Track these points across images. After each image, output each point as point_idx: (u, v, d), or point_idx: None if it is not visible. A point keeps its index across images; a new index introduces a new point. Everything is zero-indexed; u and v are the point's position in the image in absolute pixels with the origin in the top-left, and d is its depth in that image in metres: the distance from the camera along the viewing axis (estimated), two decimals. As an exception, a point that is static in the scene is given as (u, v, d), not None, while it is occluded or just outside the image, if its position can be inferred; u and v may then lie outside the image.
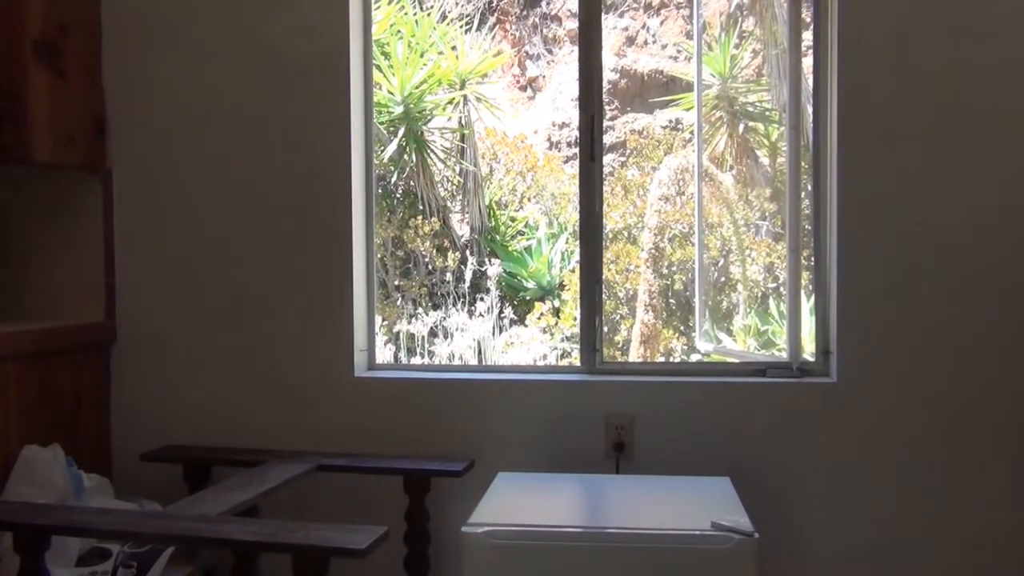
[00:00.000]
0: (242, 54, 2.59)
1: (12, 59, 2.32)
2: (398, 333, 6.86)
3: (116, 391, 2.68)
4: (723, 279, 6.88)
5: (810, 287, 2.70)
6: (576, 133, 8.56)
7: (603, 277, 2.66)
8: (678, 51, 9.31)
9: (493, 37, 9.15)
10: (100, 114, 2.63)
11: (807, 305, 3.13)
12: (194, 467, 2.49)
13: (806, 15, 2.58)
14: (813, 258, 2.50)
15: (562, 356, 6.81)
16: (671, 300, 6.98)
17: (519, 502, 2.10)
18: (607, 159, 2.48)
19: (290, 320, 2.58)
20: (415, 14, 7.49)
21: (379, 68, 6.95)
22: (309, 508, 2.50)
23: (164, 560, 2.18)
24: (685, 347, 6.77)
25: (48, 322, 2.59)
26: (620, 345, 6.93)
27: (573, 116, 8.73)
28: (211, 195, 2.62)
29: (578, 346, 2.71)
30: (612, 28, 9.45)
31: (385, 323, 6.75)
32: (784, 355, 2.56)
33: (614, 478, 2.35)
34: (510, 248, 7.92)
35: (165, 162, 2.64)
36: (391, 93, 7.15)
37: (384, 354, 2.54)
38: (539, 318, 7.13)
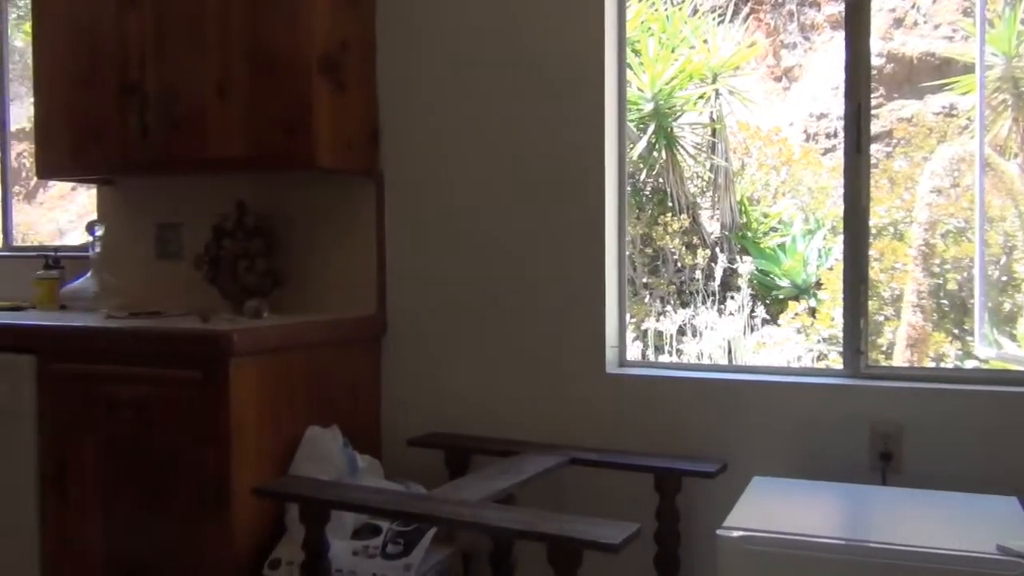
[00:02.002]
0: (502, 61, 2.69)
1: (301, 75, 2.56)
2: (646, 331, 6.84)
3: (386, 380, 2.88)
4: (1005, 278, 6.24)
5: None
6: (836, 124, 8.12)
7: (868, 275, 2.50)
8: (953, 31, 8.55)
9: (746, 28, 8.87)
10: (374, 122, 2.84)
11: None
12: (455, 454, 2.62)
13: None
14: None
15: (818, 358, 6.49)
16: (943, 301, 6.43)
17: (776, 508, 2.03)
18: (871, 149, 2.34)
19: (545, 316, 2.65)
20: (666, 9, 7.42)
21: (629, 65, 6.96)
22: (561, 500, 2.56)
23: (428, 540, 2.31)
24: (960, 352, 6.22)
25: (328, 314, 2.83)
26: (884, 348, 6.48)
27: (832, 106, 8.26)
28: (472, 196, 2.74)
29: (836, 348, 2.57)
30: (878, 10, 8.85)
31: (633, 320, 6.76)
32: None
33: (881, 490, 2.20)
34: (762, 245, 7.64)
35: (431, 165, 2.80)
36: (641, 90, 7.14)
37: (632, 351, 2.56)
38: (793, 318, 6.83)
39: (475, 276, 2.74)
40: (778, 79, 9.51)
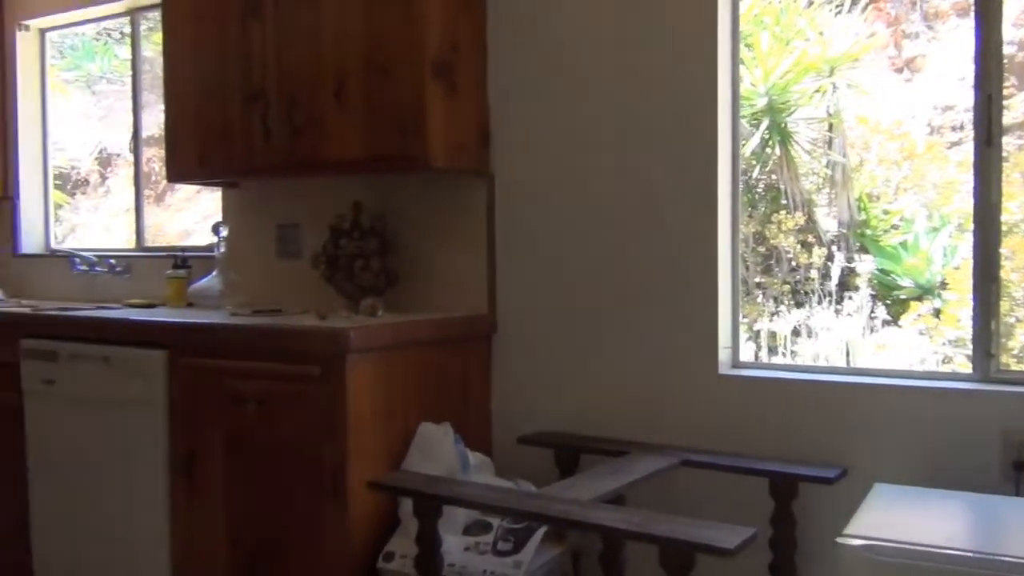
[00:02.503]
0: (611, 61, 2.67)
1: (415, 78, 2.61)
2: (758, 331, 6.68)
3: (496, 378, 2.90)
4: None
5: None
6: (962, 116, 7.74)
7: (999, 275, 2.37)
8: (1094, 14, 8.02)
9: (865, 18, 8.56)
10: (485, 123, 2.87)
11: None
12: (565, 453, 2.62)
13: None
14: None
15: (943, 361, 6.20)
16: (1081, 302, 6.05)
17: (901, 517, 1.95)
18: (1002, 142, 2.20)
19: (657, 316, 2.62)
20: (780, 1, 7.23)
21: (742, 60, 6.81)
22: (671, 502, 2.52)
23: (538, 538, 2.32)
24: (1100, 356, 5.83)
25: (440, 313, 2.88)
26: (1016, 351, 6.15)
27: (959, 97, 7.88)
28: (582, 196, 2.74)
29: (964, 351, 2.45)
30: (1008, -5, 8.37)
31: (745, 320, 6.62)
32: None
33: (1014, 501, 2.09)
34: (883, 243, 7.35)
35: (540, 166, 2.81)
36: (754, 85, 6.97)
37: (745, 352, 2.49)
38: (916, 319, 6.55)
39: (585, 275, 2.74)
40: (899, 70, 9.13)
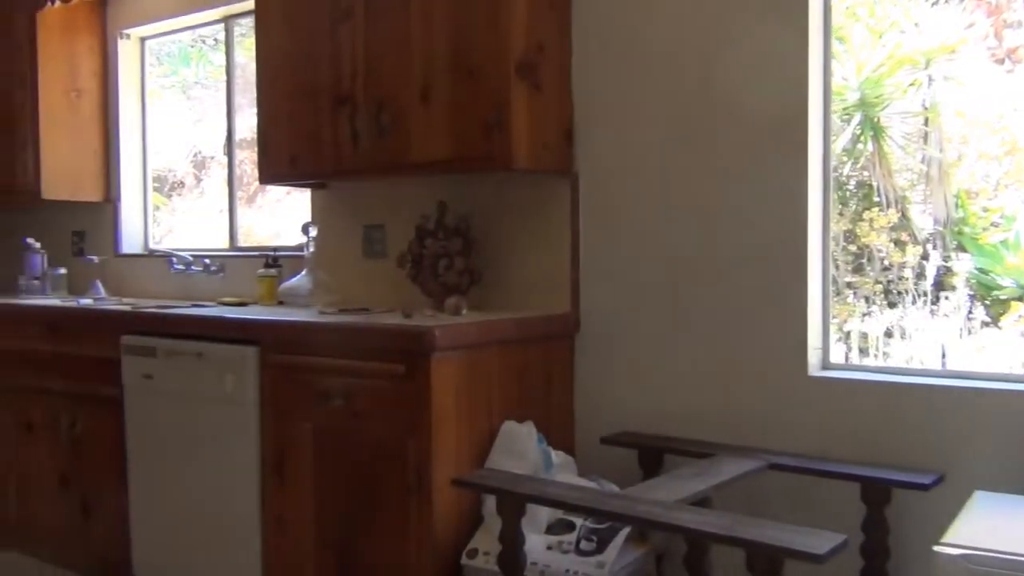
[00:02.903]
0: (696, 57, 2.64)
1: (500, 78, 2.62)
2: (849, 332, 6.51)
3: (579, 377, 2.90)
4: None
5: None
6: (1070, 108, 7.38)
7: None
8: None
9: (964, 8, 8.24)
10: (568, 122, 2.86)
11: None
12: (648, 453, 2.60)
13: None
14: None
15: (1047, 365, 5.93)
16: None
17: (1003, 526, 1.87)
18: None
19: (744, 315, 2.58)
20: (873, -7, 7.02)
21: (833, 55, 6.64)
22: (757, 506, 2.48)
23: (621, 539, 2.31)
24: None
25: (524, 312, 2.88)
26: None
27: (1065, 88, 7.52)
28: (666, 195, 2.71)
29: (1075, 355, 2.34)
30: (1120, -20, 7.96)
31: (835, 320, 6.45)
32: None
33: (1126, 512, 1.98)
34: (981, 241, 7.07)
35: (624, 165, 2.79)
36: (845, 79, 6.79)
37: (835, 353, 2.42)
38: (1018, 320, 6.28)
39: (670, 274, 2.71)
40: (1000, 61, 8.76)
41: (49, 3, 4.10)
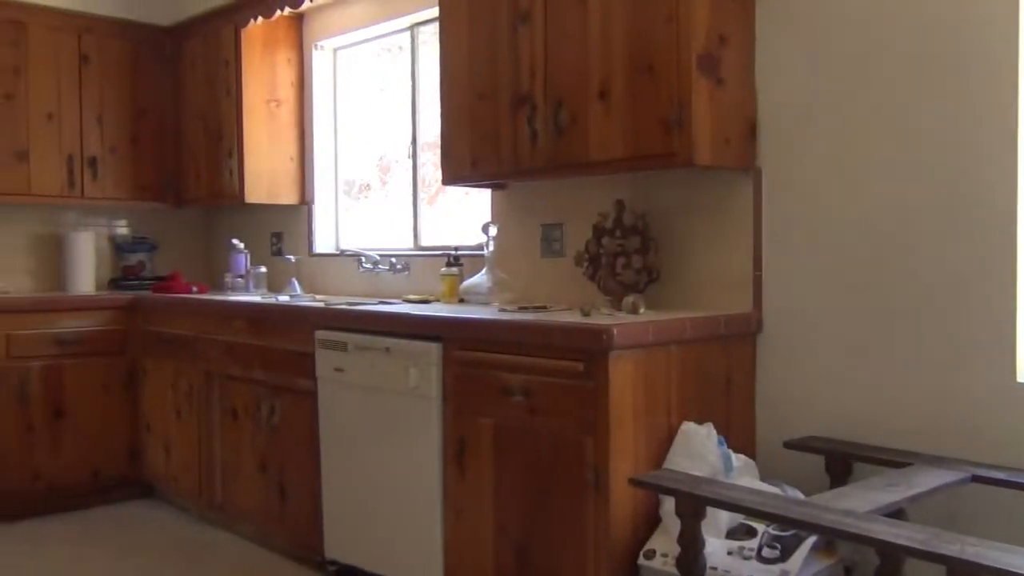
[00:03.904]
0: (896, 47, 2.50)
1: (681, 73, 2.59)
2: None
3: (761, 379, 2.81)
4: None
5: None
6: None
7: None
8: None
9: None
10: (752, 116, 2.78)
11: None
12: (836, 460, 2.49)
13: None
14: None
15: None
16: None
17: None
18: None
19: (943, 317, 2.42)
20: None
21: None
22: (956, 520, 2.32)
23: (806, 548, 2.22)
24: None
25: (703, 311, 2.83)
26: None
27: None
28: (858, 191, 2.58)
29: None
30: None
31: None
32: None
33: None
34: None
35: (812, 160, 2.68)
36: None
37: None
38: None
39: (860, 274, 2.58)
40: None
41: (252, 20, 4.41)
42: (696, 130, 2.58)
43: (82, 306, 4.42)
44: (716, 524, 2.33)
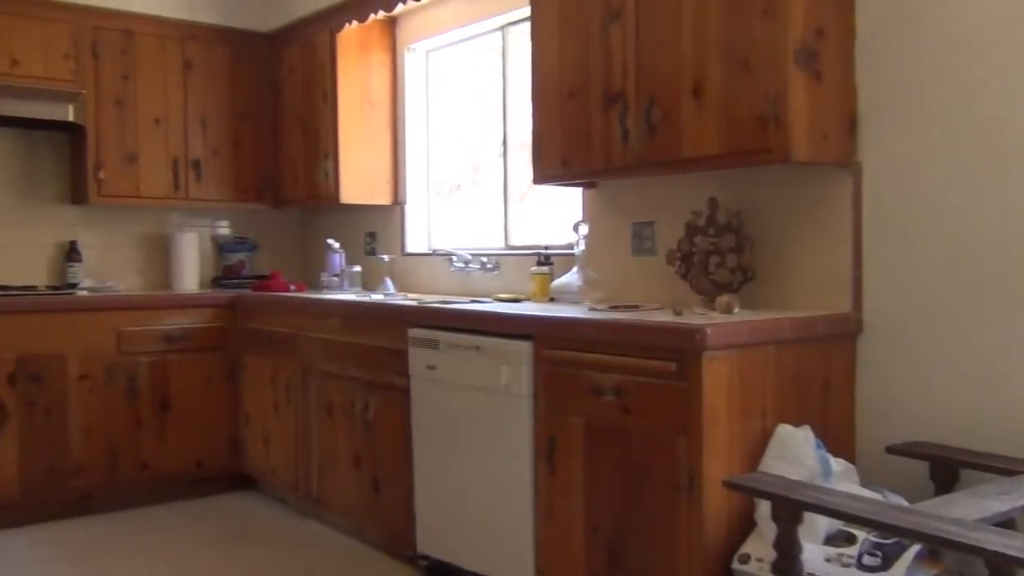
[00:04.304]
0: (1003, 41, 2.39)
1: (776, 67, 2.53)
2: None
3: (862, 381, 2.73)
4: None
5: None
6: None
7: None
8: None
9: None
10: (852, 111, 2.70)
11: None
12: (942, 466, 2.40)
13: None
14: None
15: None
16: None
17: None
18: None
19: (1057, 319, 2.30)
20: None
21: None
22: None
23: (910, 556, 2.14)
24: None
25: (800, 311, 2.76)
26: None
27: None
28: (967, 187, 2.48)
29: None
30: None
31: None
32: None
33: None
34: None
35: (916, 156, 2.58)
36: None
37: None
38: None
39: (969, 273, 2.47)
40: None
41: (347, 24, 4.50)
42: (793, 125, 2.52)
43: (187, 304, 4.60)
44: (814, 530, 2.27)
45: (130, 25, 4.66)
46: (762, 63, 2.56)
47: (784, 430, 2.49)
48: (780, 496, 2.10)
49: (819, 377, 2.68)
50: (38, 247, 4.74)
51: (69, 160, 4.78)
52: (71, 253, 4.74)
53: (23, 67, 4.36)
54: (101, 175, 4.59)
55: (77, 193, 4.72)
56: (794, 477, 2.34)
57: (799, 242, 2.87)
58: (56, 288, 4.57)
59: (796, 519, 2.10)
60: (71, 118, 4.47)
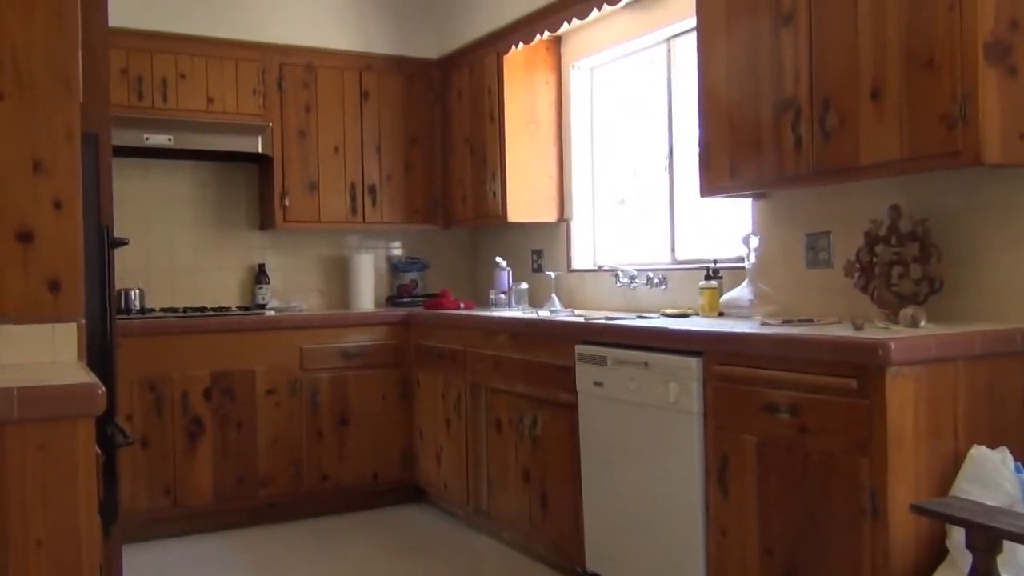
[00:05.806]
0: None
1: (966, 64, 2.37)
2: None
3: (1069, 400, 2.50)
4: None
5: None
6: None
7: None
8: None
9: None
10: (1051, 107, 2.50)
11: None
12: None
13: None
14: None
15: None
16: None
17: None
18: None
19: None
20: None
21: None
22: None
23: None
24: None
25: (995, 323, 2.57)
26: None
27: None
28: None
29: None
30: None
31: None
32: None
33: None
34: None
35: None
36: None
37: None
38: None
39: None
40: None
41: (514, 46, 4.59)
42: (984, 125, 2.35)
43: (363, 322, 4.81)
44: (1015, 560, 2.10)
45: (312, 59, 4.94)
46: (949, 60, 2.41)
47: (979, 452, 2.32)
48: (977, 524, 1.95)
49: (1017, 394, 2.47)
50: (231, 270, 5.09)
51: (257, 188, 5.11)
52: (259, 276, 5.07)
53: (217, 104, 4.72)
54: (286, 202, 4.88)
55: (265, 219, 5.04)
56: (990, 502, 2.18)
57: (991, 250, 2.67)
58: (246, 309, 4.89)
59: (995, 548, 1.95)
60: (260, 150, 4.79)
